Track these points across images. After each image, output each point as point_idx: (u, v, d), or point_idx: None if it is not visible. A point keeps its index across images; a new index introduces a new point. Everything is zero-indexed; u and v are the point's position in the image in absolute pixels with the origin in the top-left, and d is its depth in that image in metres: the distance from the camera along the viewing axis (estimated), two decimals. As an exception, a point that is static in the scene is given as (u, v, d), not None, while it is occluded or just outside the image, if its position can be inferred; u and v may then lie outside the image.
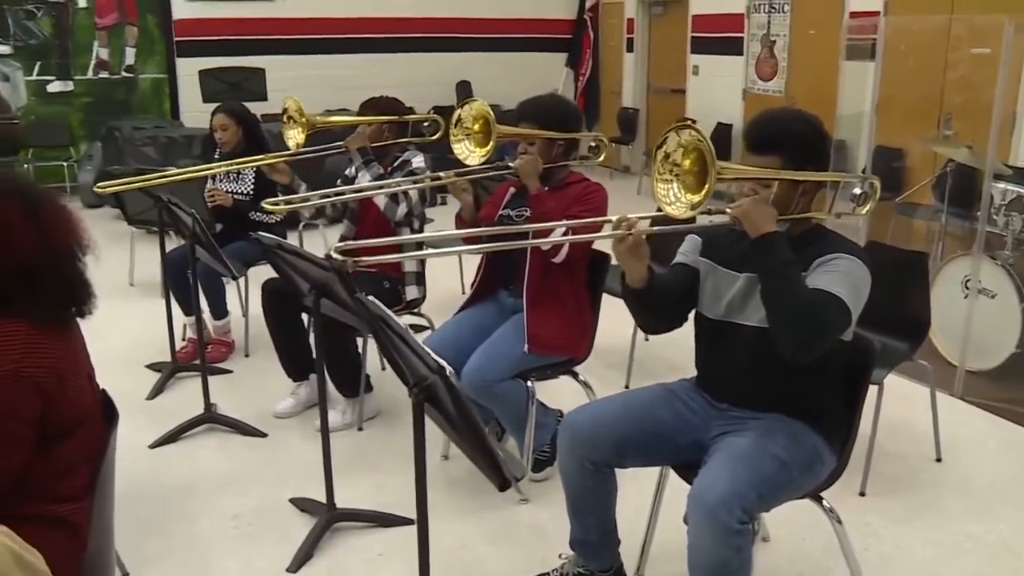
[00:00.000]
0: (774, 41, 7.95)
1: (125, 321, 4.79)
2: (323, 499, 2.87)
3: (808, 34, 7.57)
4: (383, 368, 4.03)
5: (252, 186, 4.30)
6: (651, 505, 2.55)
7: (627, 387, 3.95)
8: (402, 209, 3.55)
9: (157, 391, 3.95)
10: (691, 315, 2.38)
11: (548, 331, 2.96)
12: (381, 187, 3.43)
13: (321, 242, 5.60)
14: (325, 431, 2.83)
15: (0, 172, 1.80)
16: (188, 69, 9.11)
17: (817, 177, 2.19)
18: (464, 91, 9.93)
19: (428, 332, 3.61)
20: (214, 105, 4.43)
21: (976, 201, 4.27)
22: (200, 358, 3.65)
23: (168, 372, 4.06)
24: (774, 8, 7.90)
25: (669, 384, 2.42)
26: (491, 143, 2.97)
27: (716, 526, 1.92)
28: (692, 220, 2.15)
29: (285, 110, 3.70)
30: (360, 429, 3.61)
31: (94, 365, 1.93)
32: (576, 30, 10.69)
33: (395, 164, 3.68)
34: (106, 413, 1.91)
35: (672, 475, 2.40)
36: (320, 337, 2.90)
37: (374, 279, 3.54)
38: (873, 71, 4.76)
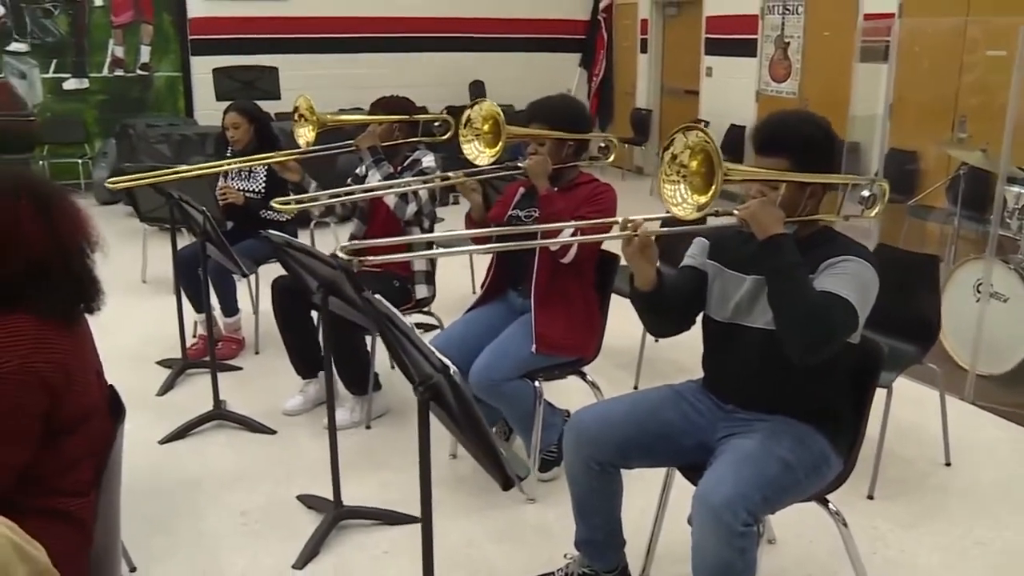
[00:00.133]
0: (788, 43, 7.91)
1: (137, 317, 4.83)
2: (330, 496, 2.88)
3: (822, 36, 7.52)
4: (392, 367, 4.03)
5: (263, 184, 4.32)
6: (657, 506, 2.54)
7: (636, 388, 3.95)
8: (412, 208, 3.55)
9: (167, 387, 3.97)
10: (699, 318, 2.37)
11: (555, 331, 2.96)
12: (391, 186, 3.44)
13: (333, 240, 5.61)
14: (332, 429, 2.84)
15: (9, 169, 1.81)
16: (202, 67, 9.18)
17: (824, 179, 2.18)
18: (477, 91, 9.94)
19: (437, 331, 3.62)
20: (227, 103, 4.45)
21: (989, 204, 4.25)
22: (210, 355, 3.68)
23: (178, 368, 4.09)
24: (788, 9, 7.86)
25: (676, 385, 2.41)
26: (500, 143, 2.97)
27: (720, 528, 1.91)
28: (700, 222, 2.15)
29: (296, 108, 3.71)
30: (368, 427, 3.62)
31: (105, 361, 1.94)
32: (590, 31, 10.68)
33: (405, 163, 3.69)
34: (113, 409, 1.92)
35: (678, 476, 2.40)
36: (328, 335, 2.91)
37: (384, 277, 3.55)
38: (887, 73, 4.73)
